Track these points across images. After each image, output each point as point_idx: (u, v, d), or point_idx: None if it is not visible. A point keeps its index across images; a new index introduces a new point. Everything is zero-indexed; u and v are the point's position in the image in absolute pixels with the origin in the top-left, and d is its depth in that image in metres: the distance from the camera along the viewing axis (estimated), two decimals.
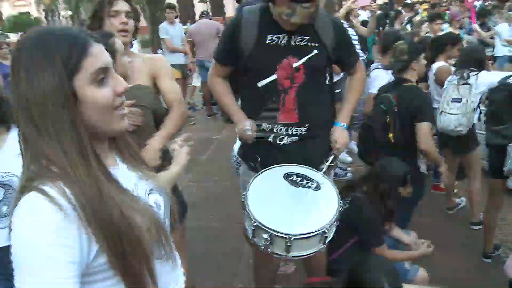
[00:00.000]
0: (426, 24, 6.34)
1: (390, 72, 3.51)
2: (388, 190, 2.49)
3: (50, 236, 0.85)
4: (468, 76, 3.39)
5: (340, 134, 2.20)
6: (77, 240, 0.87)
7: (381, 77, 3.75)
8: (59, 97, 0.88)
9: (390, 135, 2.92)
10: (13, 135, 1.65)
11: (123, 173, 1.07)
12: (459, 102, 3.38)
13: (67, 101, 0.89)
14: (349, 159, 4.99)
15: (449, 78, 3.55)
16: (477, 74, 3.38)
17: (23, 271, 0.85)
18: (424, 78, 4.13)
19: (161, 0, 11.00)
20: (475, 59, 3.48)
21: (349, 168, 4.80)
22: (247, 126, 2.10)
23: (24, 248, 0.85)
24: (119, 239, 0.90)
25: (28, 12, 36.98)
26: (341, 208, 1.83)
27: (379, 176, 2.52)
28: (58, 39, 0.90)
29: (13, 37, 29.33)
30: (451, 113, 3.38)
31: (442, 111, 3.41)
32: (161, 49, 7.79)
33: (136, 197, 1.01)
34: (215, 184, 4.82)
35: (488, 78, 3.31)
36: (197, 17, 8.55)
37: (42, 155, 0.90)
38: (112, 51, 1.70)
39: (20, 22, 32.60)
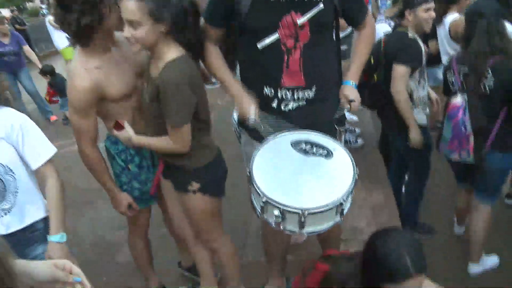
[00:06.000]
0: None
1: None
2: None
3: None
4: None
5: (351, 91, 1.96)
6: None
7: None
8: None
9: (375, 75, 2.98)
10: None
11: None
12: None
13: None
14: (355, 118, 4.82)
15: None
16: None
17: None
18: (433, 35, 3.87)
19: None
20: None
21: (357, 129, 4.62)
22: (252, 112, 1.86)
23: None
24: None
25: None
26: (356, 178, 1.66)
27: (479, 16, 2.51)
28: None
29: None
30: None
31: None
32: None
33: None
34: None
35: None
36: None
37: None
38: None
39: None
